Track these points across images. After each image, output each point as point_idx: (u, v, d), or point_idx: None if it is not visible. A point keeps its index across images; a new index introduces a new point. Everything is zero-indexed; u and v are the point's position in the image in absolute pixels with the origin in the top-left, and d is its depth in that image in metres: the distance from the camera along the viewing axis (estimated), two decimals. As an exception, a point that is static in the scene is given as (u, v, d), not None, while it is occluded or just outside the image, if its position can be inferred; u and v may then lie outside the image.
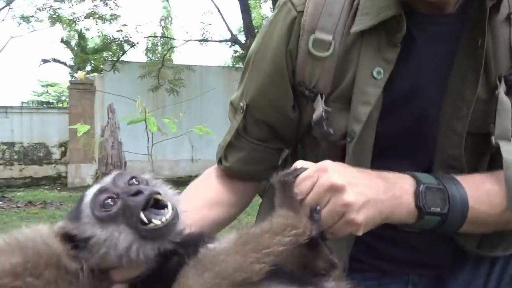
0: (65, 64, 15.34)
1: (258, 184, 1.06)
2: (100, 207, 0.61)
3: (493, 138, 0.80)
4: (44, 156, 11.88)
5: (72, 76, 15.04)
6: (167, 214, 0.61)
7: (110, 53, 12.48)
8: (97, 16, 11.35)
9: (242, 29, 15.04)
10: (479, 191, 0.79)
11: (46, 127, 11.77)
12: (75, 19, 11.59)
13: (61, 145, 12.04)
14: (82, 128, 2.88)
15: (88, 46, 14.57)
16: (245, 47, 9.64)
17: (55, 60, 14.63)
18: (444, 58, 0.83)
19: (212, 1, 9.93)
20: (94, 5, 11.28)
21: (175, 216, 0.62)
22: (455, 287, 0.94)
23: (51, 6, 11.15)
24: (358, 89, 0.83)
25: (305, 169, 0.74)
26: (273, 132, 0.96)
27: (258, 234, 0.64)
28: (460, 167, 0.86)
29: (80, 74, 11.88)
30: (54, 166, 11.97)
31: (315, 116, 0.87)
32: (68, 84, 12.64)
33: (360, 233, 0.74)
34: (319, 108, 0.86)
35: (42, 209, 6.93)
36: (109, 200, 0.61)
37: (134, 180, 0.65)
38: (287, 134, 0.97)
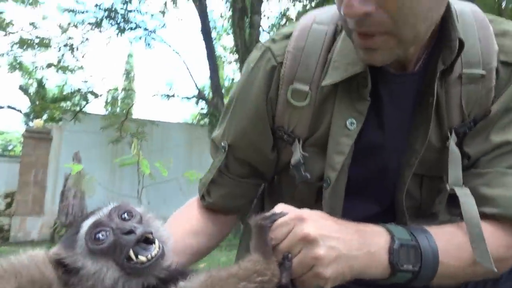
0: (20, 111, 14.85)
1: (238, 217, 1.11)
2: (93, 240, 0.65)
3: (447, 185, 0.85)
4: (-13, 207, 11.08)
5: (26, 124, 14.52)
6: (154, 251, 0.64)
7: (70, 103, 12.31)
8: (60, 66, 11.30)
9: (205, 89, 15.44)
10: (450, 245, 0.81)
11: (-7, 176, 11.11)
12: (36, 67, 11.45)
13: (7, 195, 11.32)
14: (76, 167, 2.80)
15: (47, 95, 14.29)
16: (212, 104, 9.87)
17: (10, 107, 14.15)
18: (406, 114, 0.89)
19: (182, 59, 10.22)
20: (60, 56, 11.26)
21: (161, 253, 0.65)
22: None
23: (14, 54, 11.00)
24: (332, 138, 0.88)
25: (284, 214, 0.75)
26: (254, 170, 1.01)
27: (224, 278, 0.65)
28: (402, 210, 0.91)
29: (37, 123, 11.50)
30: (-3, 218, 11.16)
31: (293, 160, 0.91)
32: (23, 132, 12.18)
33: (327, 287, 0.74)
34: (297, 152, 0.91)
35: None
36: (102, 234, 0.65)
37: (127, 214, 0.69)
38: (267, 172, 1.02)
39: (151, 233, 0.66)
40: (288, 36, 0.93)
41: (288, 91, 0.90)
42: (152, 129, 11.42)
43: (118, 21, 10.03)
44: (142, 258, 0.63)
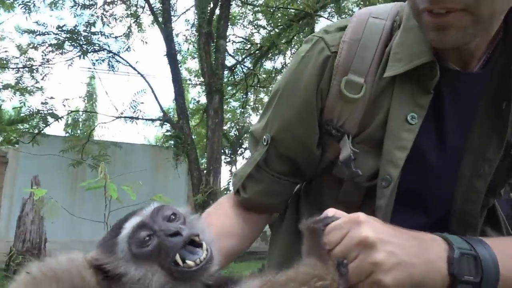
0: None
1: (270, 216, 1.06)
2: (137, 243, 0.60)
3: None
4: None
5: (-20, 147, 13.83)
6: (202, 255, 0.60)
7: (28, 125, 11.87)
8: (18, 88, 10.95)
9: (170, 111, 15.32)
10: (508, 257, 0.75)
11: None
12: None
13: (-43, 221, 10.66)
14: (38, 192, 2.70)
15: (3, 117, 13.74)
16: (177, 127, 9.80)
17: (-38, 129, 13.45)
18: (466, 115, 0.84)
19: (147, 81, 10.15)
20: (18, 76, 10.92)
21: (210, 257, 0.61)
22: None
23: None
24: (392, 133, 0.83)
25: (336, 218, 0.71)
26: (295, 167, 0.96)
27: (283, 283, 0.62)
28: (475, 223, 0.87)
29: (-8, 145, 11.02)
30: None
31: (342, 156, 0.86)
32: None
33: None
34: (347, 148, 0.85)
35: None
36: (146, 237, 0.60)
37: (172, 215, 0.64)
38: (308, 170, 0.97)
39: (198, 235, 0.61)
40: (342, 28, 0.90)
41: (342, 82, 0.86)
42: (115, 151, 11.18)
43: (81, 43, 9.88)
44: (190, 262, 0.59)
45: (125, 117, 10.18)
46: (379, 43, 0.86)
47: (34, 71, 10.79)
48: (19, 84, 10.85)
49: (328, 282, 0.63)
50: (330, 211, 0.73)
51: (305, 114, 0.90)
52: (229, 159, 20.30)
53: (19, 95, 11.07)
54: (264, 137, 0.95)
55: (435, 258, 0.71)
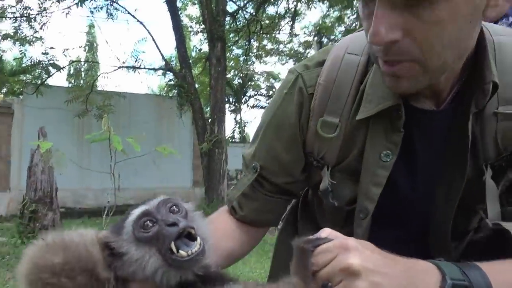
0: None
1: (267, 229, 1.13)
2: (140, 227, 0.67)
3: (488, 221, 0.83)
4: None
5: (-16, 98, 13.89)
6: (195, 247, 0.66)
7: (31, 76, 11.83)
8: (17, 38, 10.78)
9: (172, 59, 15.12)
10: (505, 284, 0.75)
11: (-47, 152, 10.69)
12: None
13: (-31, 172, 10.95)
14: (44, 145, 2.75)
15: (4, 68, 13.65)
16: (179, 76, 9.72)
17: (-35, 81, 13.43)
18: (435, 150, 0.88)
19: (147, 29, 9.95)
20: (16, 26, 10.73)
21: (202, 251, 0.66)
22: None
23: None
24: (368, 170, 0.88)
25: (328, 240, 0.72)
26: (285, 189, 1.03)
27: None
28: (448, 240, 0.91)
29: (-4, 97, 11.05)
30: (-39, 195, 10.83)
31: (321, 186, 0.94)
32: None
33: None
34: (325, 179, 0.92)
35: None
36: (149, 223, 0.67)
37: (175, 207, 0.71)
38: (296, 191, 1.07)
39: (194, 228, 0.67)
40: (321, 64, 0.94)
41: (318, 122, 0.92)
42: (119, 101, 11.20)
43: (78, -10, 9.61)
44: (182, 252, 0.65)
45: (127, 66, 10.10)
46: (354, 82, 0.90)
47: (32, 20, 10.57)
48: (18, 34, 10.67)
49: None
50: (325, 232, 0.75)
51: (290, 145, 0.97)
52: (233, 108, 20.32)
53: (19, 45, 10.94)
54: (253, 164, 1.02)
55: None
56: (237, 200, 1.05)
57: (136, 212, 0.69)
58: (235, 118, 20.66)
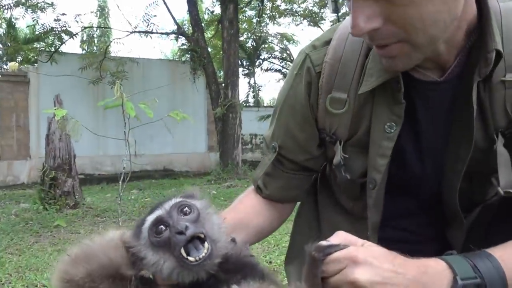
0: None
1: (295, 203, 1.17)
2: (154, 233, 0.73)
3: (500, 189, 0.83)
4: (-29, 153, 11.03)
5: (0, 68, 14.04)
6: (202, 252, 0.70)
7: (44, 44, 11.83)
8: (28, 4, 10.71)
9: (184, 22, 14.87)
10: None
11: (-27, 122, 10.95)
12: (3, 7, 10.83)
13: (-11, 141, 11.23)
14: (59, 113, 2.78)
15: (18, 36, 13.66)
16: (192, 40, 9.59)
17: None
18: (439, 120, 0.89)
19: (158, -7, 9.75)
20: (27, -8, 10.64)
21: (210, 254, 0.70)
22: None
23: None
24: (374, 142, 0.91)
25: (340, 248, 0.73)
26: (305, 166, 1.07)
27: None
28: (457, 210, 0.92)
29: (12, 65, 11.13)
30: (-17, 164, 11.16)
31: (335, 160, 0.96)
32: (-1, 75, 11.79)
33: None
34: (338, 154, 0.95)
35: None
36: (161, 229, 0.72)
37: (187, 208, 0.75)
38: (316, 166, 1.09)
39: (202, 233, 0.71)
40: (327, 42, 0.97)
41: (326, 100, 0.94)
42: (132, 67, 11.17)
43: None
44: (191, 258, 0.69)
45: (139, 31, 10.00)
46: (359, 59, 0.92)
47: (42, -15, 10.45)
48: (29, 1, 10.60)
49: None
50: (338, 236, 0.76)
51: (304, 124, 1.00)
52: (247, 71, 20.09)
53: (31, 12, 10.88)
54: (273, 144, 1.06)
55: None
56: (261, 179, 1.09)
57: (150, 219, 0.74)
58: (249, 82, 20.48)
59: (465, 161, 0.87)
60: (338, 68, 0.93)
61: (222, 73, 10.87)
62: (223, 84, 9.63)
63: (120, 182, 3.07)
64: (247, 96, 20.05)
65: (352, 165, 0.96)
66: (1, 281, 3.16)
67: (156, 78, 12.19)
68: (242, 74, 19.54)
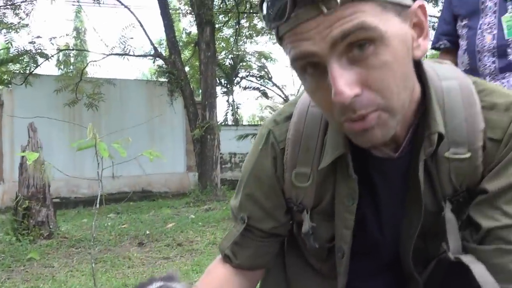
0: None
1: (265, 270, 1.18)
2: None
3: (450, 254, 0.87)
4: None
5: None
6: None
7: (19, 66, 11.65)
8: (2, 26, 10.58)
9: (162, 42, 14.87)
10: None
11: None
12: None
13: (-39, 164, 10.91)
14: (31, 156, 2.75)
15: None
16: (169, 62, 9.61)
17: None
18: (395, 194, 0.94)
19: (134, 15, 9.78)
20: (1, 14, 10.51)
21: None
22: None
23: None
24: (338, 214, 0.96)
25: None
26: (273, 233, 1.10)
27: None
28: (411, 268, 0.98)
29: (-15, 88, 10.91)
30: (-46, 189, 10.83)
31: (303, 229, 1.00)
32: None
33: None
34: (306, 223, 1.00)
35: None
36: None
37: None
38: (285, 232, 1.12)
39: None
40: (288, 118, 1.00)
41: (292, 175, 0.98)
42: (109, 88, 11.10)
43: (62, -24, 9.38)
44: None
45: (115, 54, 9.97)
46: (319, 133, 0.96)
47: (17, 8, 10.36)
48: (3, 23, 10.47)
49: None
50: None
51: (271, 194, 1.04)
52: (225, 90, 20.17)
53: (5, 33, 10.74)
54: (241, 215, 1.09)
55: None
56: (229, 249, 1.10)
57: None
58: (227, 100, 20.55)
59: (417, 228, 0.92)
60: (301, 144, 0.97)
61: (200, 91, 10.90)
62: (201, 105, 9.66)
63: (96, 206, 3.02)
64: (226, 115, 20.11)
65: (320, 233, 1.00)
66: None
67: (134, 99, 12.13)
68: (221, 93, 19.62)
